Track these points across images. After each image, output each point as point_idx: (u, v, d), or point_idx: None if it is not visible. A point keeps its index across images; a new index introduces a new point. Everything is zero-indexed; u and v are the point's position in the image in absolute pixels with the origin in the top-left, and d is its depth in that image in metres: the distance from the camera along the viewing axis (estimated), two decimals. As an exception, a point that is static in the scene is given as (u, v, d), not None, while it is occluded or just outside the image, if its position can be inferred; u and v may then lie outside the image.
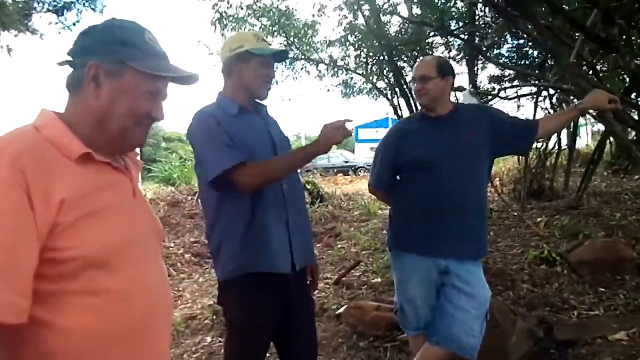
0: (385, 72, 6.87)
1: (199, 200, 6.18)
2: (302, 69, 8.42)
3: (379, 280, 4.11)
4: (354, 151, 27.63)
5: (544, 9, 3.17)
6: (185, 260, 5.43)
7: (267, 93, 1.72)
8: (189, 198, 7.94)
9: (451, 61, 3.37)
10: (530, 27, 2.73)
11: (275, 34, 7.36)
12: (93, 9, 8.00)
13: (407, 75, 6.70)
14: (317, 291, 2.66)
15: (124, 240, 0.89)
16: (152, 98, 0.95)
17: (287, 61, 7.91)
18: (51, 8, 7.45)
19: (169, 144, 27.82)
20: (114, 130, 0.93)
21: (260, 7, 6.92)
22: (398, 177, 2.07)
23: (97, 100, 0.91)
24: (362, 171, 18.74)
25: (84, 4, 7.74)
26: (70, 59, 0.94)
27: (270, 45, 1.82)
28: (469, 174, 1.91)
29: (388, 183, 2.09)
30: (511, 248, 4.59)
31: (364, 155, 24.47)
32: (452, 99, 2.15)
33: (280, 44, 7.40)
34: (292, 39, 7.56)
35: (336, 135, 1.50)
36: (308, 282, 1.80)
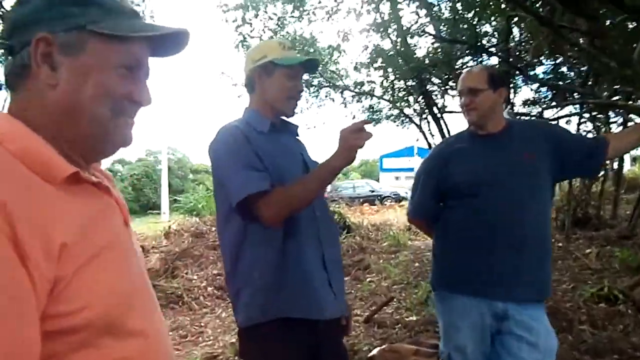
0: (413, 97, 6.68)
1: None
2: (327, 96, 8.33)
3: (414, 318, 3.80)
4: (378, 180, 27.38)
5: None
6: (208, 294, 5.26)
7: (294, 109, 1.51)
8: (213, 229, 7.82)
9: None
10: (583, 36, 2.48)
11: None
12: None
13: (436, 99, 6.48)
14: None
15: (131, 288, 0.68)
16: (131, 74, 0.69)
17: (312, 89, 7.85)
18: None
19: (196, 176, 28.29)
20: (86, 125, 0.66)
21: (283, 36, 6.92)
22: (442, 204, 1.81)
23: (55, 89, 0.64)
24: (389, 200, 18.43)
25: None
26: (4, 41, 0.67)
27: (298, 54, 1.62)
28: (527, 199, 1.65)
29: (430, 211, 1.84)
30: (560, 283, 4.17)
31: (389, 184, 24.19)
32: None
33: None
34: (316, 66, 7.48)
35: (356, 139, 1.25)
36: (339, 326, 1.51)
